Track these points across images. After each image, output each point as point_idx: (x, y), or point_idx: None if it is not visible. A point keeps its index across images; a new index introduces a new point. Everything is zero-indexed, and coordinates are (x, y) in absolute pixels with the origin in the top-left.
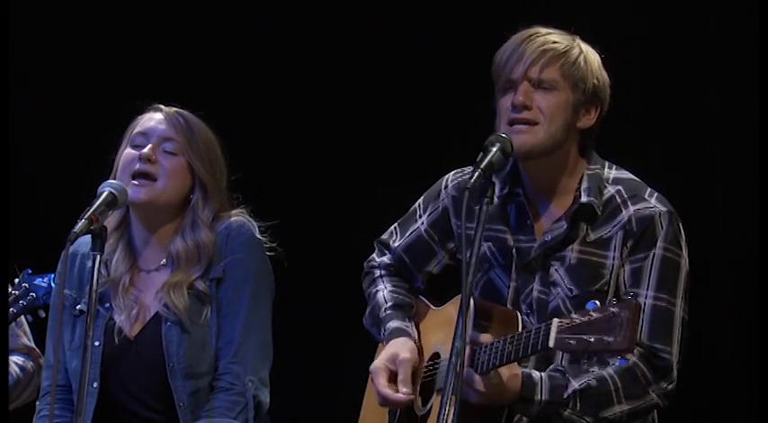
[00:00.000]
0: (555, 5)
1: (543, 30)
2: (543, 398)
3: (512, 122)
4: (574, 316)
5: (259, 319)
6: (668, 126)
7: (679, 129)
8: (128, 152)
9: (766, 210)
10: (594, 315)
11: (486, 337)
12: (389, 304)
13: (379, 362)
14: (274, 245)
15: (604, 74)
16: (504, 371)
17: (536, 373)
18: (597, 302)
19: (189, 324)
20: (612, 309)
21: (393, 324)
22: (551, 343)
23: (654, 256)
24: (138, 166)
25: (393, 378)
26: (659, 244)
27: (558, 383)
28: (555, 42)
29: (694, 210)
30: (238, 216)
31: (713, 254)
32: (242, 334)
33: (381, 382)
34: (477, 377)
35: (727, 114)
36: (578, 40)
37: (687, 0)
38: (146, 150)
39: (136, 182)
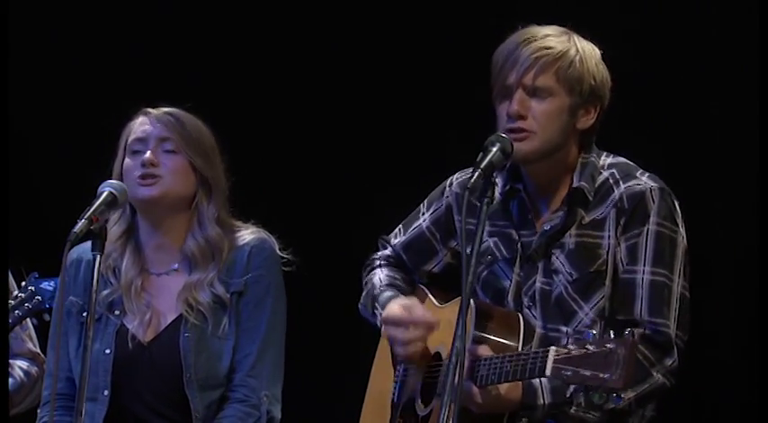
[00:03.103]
0: (553, 3)
1: (539, 32)
2: (546, 402)
3: (508, 132)
4: (571, 346)
5: (276, 335)
6: (668, 126)
7: (679, 128)
8: (128, 162)
9: (766, 209)
10: (591, 349)
11: (484, 350)
12: (384, 284)
13: (392, 306)
14: (290, 258)
15: (603, 70)
16: (504, 383)
17: (535, 379)
18: (594, 333)
19: (209, 331)
20: (609, 345)
21: (387, 294)
22: (548, 372)
23: (648, 231)
24: (142, 171)
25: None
26: (652, 219)
27: (559, 384)
28: (549, 47)
29: (694, 209)
30: (258, 233)
31: (713, 254)
32: (260, 349)
33: (400, 312)
34: (476, 390)
35: (727, 114)
36: (574, 38)
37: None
38: (147, 155)
39: (143, 181)
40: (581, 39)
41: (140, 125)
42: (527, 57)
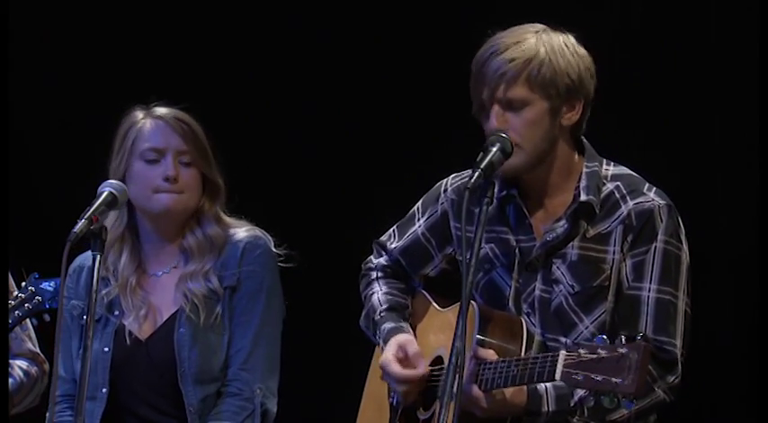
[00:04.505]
0: (553, 4)
1: (505, 41)
2: (550, 409)
3: None
4: (581, 351)
5: (270, 330)
6: (669, 125)
7: (679, 128)
8: (144, 167)
9: (766, 209)
10: (602, 353)
11: (490, 354)
12: (384, 307)
13: (387, 354)
14: (286, 253)
15: (580, 62)
16: (509, 388)
17: (541, 385)
18: (605, 337)
19: (203, 323)
20: (621, 349)
21: (388, 325)
22: (558, 376)
23: (655, 249)
24: (165, 186)
25: (405, 363)
26: (660, 237)
27: (564, 392)
28: (513, 59)
29: (695, 208)
30: (253, 230)
31: (714, 252)
32: (252, 343)
33: (396, 369)
34: (480, 394)
35: (727, 113)
36: (543, 37)
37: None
38: (171, 172)
39: (164, 194)
40: (553, 34)
41: (153, 132)
42: (494, 72)
